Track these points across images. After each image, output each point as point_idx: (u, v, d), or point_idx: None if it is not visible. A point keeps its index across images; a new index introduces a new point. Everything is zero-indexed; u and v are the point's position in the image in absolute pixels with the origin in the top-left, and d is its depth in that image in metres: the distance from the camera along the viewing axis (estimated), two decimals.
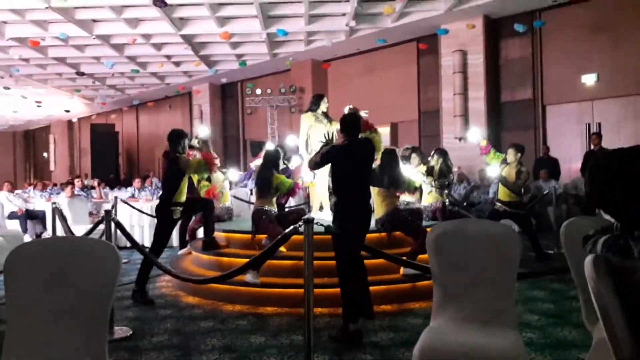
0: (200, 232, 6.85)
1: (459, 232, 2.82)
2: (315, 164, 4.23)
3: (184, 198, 5.28)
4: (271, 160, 5.45)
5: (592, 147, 9.10)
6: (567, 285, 5.28)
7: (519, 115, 10.80)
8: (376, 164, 4.84)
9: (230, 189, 7.42)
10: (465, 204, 9.26)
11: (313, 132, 5.86)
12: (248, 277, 4.79)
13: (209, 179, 6.54)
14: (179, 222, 6.18)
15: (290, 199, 7.42)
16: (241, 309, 4.75)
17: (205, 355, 3.59)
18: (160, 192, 5.41)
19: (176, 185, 5.17)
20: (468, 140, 10.04)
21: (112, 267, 2.31)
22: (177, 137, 5.27)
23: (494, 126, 10.61)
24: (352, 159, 3.98)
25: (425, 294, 4.75)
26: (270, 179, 5.29)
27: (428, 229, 4.92)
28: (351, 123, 4.08)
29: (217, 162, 5.62)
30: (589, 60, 9.83)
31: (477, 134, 6.96)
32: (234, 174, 6.77)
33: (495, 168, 6.58)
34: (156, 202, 5.82)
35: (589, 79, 9.84)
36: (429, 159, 6.36)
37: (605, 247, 1.76)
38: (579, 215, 3.58)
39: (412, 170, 5.91)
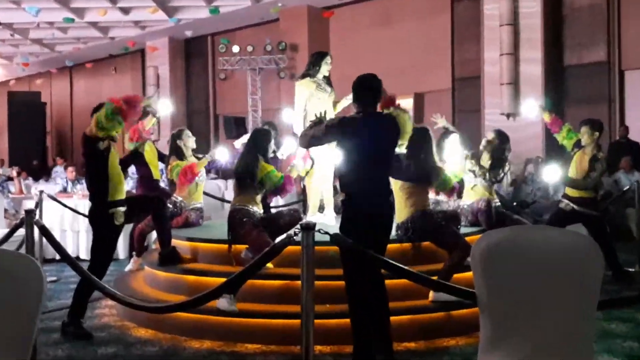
0: (152, 236, 6.75)
1: (515, 243, 2.80)
2: (311, 140, 4.12)
3: (123, 194, 5.13)
4: (258, 144, 5.37)
5: None
6: None
7: (588, 84, 10.77)
8: (400, 150, 4.72)
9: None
10: (515, 203, 9.22)
11: (313, 104, 5.78)
12: (222, 302, 4.74)
13: (180, 158, 6.32)
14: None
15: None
16: (212, 346, 4.71)
17: None
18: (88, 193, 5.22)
19: (103, 176, 4.98)
20: (521, 116, 10.01)
21: (34, 289, 2.31)
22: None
23: (555, 98, 10.55)
24: (369, 139, 3.89)
25: (464, 326, 4.76)
26: (254, 168, 5.20)
27: (469, 238, 4.86)
28: (368, 88, 3.99)
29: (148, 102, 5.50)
30: None
31: (533, 106, 6.90)
32: (222, 152, 6.46)
33: (554, 169, 6.48)
34: None
35: None
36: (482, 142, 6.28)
37: None
38: None
39: (454, 159, 5.77)
